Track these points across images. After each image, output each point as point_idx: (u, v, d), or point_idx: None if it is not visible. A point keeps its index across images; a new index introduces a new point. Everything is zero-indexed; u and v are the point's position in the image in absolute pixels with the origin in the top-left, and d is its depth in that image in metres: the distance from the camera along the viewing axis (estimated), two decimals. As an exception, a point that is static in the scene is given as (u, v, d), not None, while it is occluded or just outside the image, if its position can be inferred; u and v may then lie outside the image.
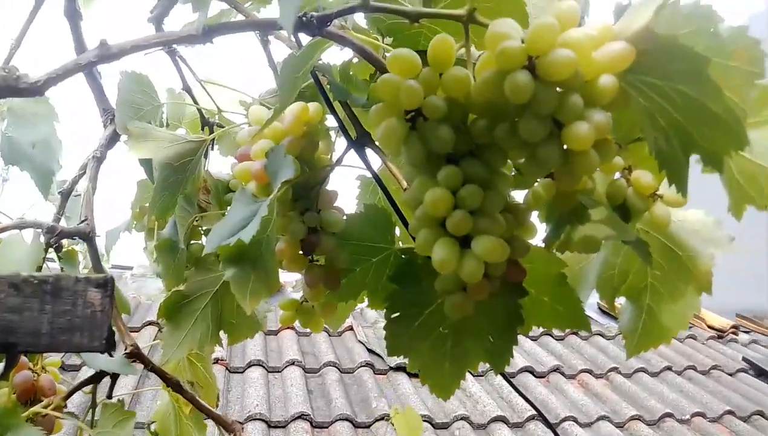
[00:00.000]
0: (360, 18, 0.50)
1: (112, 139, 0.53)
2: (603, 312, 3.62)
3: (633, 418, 2.59)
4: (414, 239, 0.38)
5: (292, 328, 2.97)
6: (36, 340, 0.33)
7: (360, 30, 0.50)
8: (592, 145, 0.32)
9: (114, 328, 0.51)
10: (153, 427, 0.64)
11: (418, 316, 0.47)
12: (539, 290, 0.49)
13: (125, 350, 0.50)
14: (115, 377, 0.51)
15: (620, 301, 0.54)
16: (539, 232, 0.46)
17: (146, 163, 0.55)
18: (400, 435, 0.96)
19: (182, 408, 0.62)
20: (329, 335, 3.02)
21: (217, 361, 2.62)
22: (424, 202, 0.35)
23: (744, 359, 3.31)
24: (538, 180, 0.42)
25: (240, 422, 2.19)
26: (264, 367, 2.65)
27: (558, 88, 0.31)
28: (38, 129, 0.57)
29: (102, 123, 0.55)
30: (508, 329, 0.46)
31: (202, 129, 0.63)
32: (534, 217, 0.47)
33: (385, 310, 0.47)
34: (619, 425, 2.56)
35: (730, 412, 2.71)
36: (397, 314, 0.47)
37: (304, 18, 0.37)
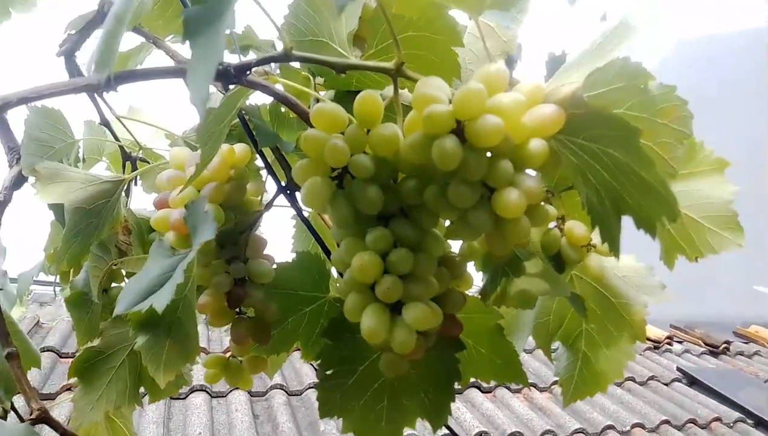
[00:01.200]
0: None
1: (19, 181, 0.48)
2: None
3: (576, 432, 2.64)
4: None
5: (237, 350, 2.87)
6: None
7: (290, 71, 0.48)
8: (524, 212, 0.30)
9: (16, 383, 0.46)
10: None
11: (352, 373, 0.45)
12: (477, 342, 0.47)
13: (31, 414, 0.45)
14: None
15: (556, 346, 0.53)
16: (475, 281, 0.46)
17: (56, 208, 0.50)
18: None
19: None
20: (275, 356, 2.93)
21: (156, 387, 2.50)
22: (352, 267, 0.33)
23: (678, 369, 3.45)
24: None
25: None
26: (207, 392, 2.54)
27: (488, 153, 0.30)
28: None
29: (8, 162, 0.50)
30: (446, 385, 0.45)
31: (124, 165, 0.59)
32: (470, 266, 0.46)
33: (317, 368, 0.45)
34: (564, 440, 2.61)
35: (666, 421, 2.81)
36: (330, 371, 0.44)
37: (219, 67, 0.34)
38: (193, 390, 2.51)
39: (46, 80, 0.36)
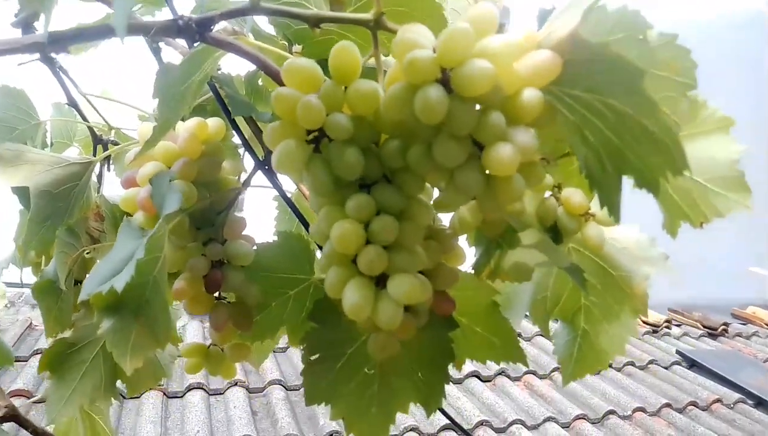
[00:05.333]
0: (265, 23, 0.45)
1: (-21, 165, 0.45)
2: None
3: (578, 417, 2.63)
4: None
5: (233, 346, 2.85)
6: None
7: (264, 36, 0.45)
8: (517, 169, 0.28)
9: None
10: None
11: (340, 357, 0.42)
12: (471, 320, 0.45)
13: (-2, 412, 0.43)
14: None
15: (554, 324, 0.51)
16: (468, 257, 0.43)
17: (21, 192, 0.47)
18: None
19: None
20: (274, 352, 2.91)
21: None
22: (332, 237, 0.30)
23: (677, 352, 3.44)
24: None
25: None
26: (205, 390, 2.51)
27: (477, 105, 0.27)
28: None
29: (-33, 145, 0.46)
30: (439, 366, 0.42)
31: (95, 148, 0.56)
32: (462, 241, 0.43)
33: (302, 353, 0.42)
34: (565, 426, 2.59)
35: (667, 405, 2.80)
36: (316, 356, 0.42)
37: (180, 21, 0.31)
38: (190, 388, 2.48)
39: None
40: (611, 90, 0.27)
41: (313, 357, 0.42)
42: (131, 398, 2.41)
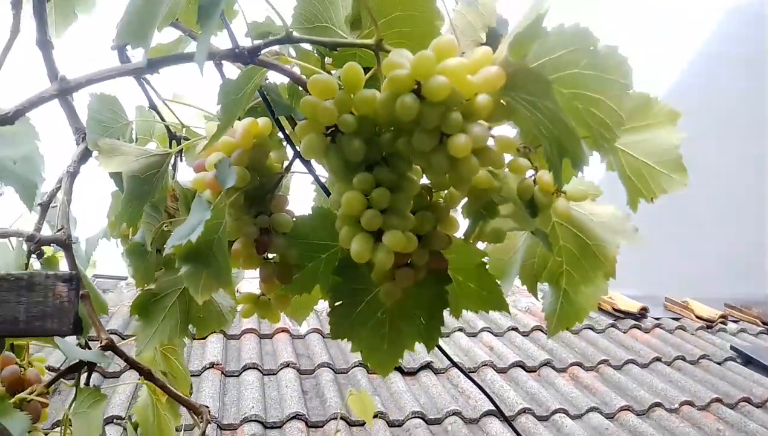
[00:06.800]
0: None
1: (85, 156, 0.59)
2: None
3: (623, 409, 2.63)
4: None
5: (287, 331, 3.03)
6: (14, 326, 0.40)
7: (303, 52, 0.57)
8: (473, 153, 0.38)
9: (89, 321, 0.57)
10: (134, 418, 0.70)
11: (359, 304, 0.53)
12: (466, 278, 0.55)
13: (101, 343, 0.57)
14: (91, 367, 0.57)
15: (543, 287, 0.60)
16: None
17: (116, 176, 0.61)
18: (356, 414, 1.04)
19: (159, 399, 0.68)
20: (323, 337, 3.07)
21: (213, 366, 2.68)
22: (342, 203, 0.41)
23: (732, 348, 3.36)
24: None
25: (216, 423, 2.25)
26: (259, 370, 2.69)
27: (443, 108, 0.38)
28: (20, 147, 0.63)
29: (75, 141, 0.61)
30: (436, 312, 0.53)
31: (170, 143, 0.70)
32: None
33: (328, 299, 0.53)
34: (609, 416, 2.61)
35: (717, 400, 2.76)
36: (339, 303, 0.53)
37: (236, 50, 0.43)
38: (246, 368, 2.67)
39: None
40: (540, 93, 0.37)
41: (336, 304, 0.53)
42: (192, 375, 2.63)
